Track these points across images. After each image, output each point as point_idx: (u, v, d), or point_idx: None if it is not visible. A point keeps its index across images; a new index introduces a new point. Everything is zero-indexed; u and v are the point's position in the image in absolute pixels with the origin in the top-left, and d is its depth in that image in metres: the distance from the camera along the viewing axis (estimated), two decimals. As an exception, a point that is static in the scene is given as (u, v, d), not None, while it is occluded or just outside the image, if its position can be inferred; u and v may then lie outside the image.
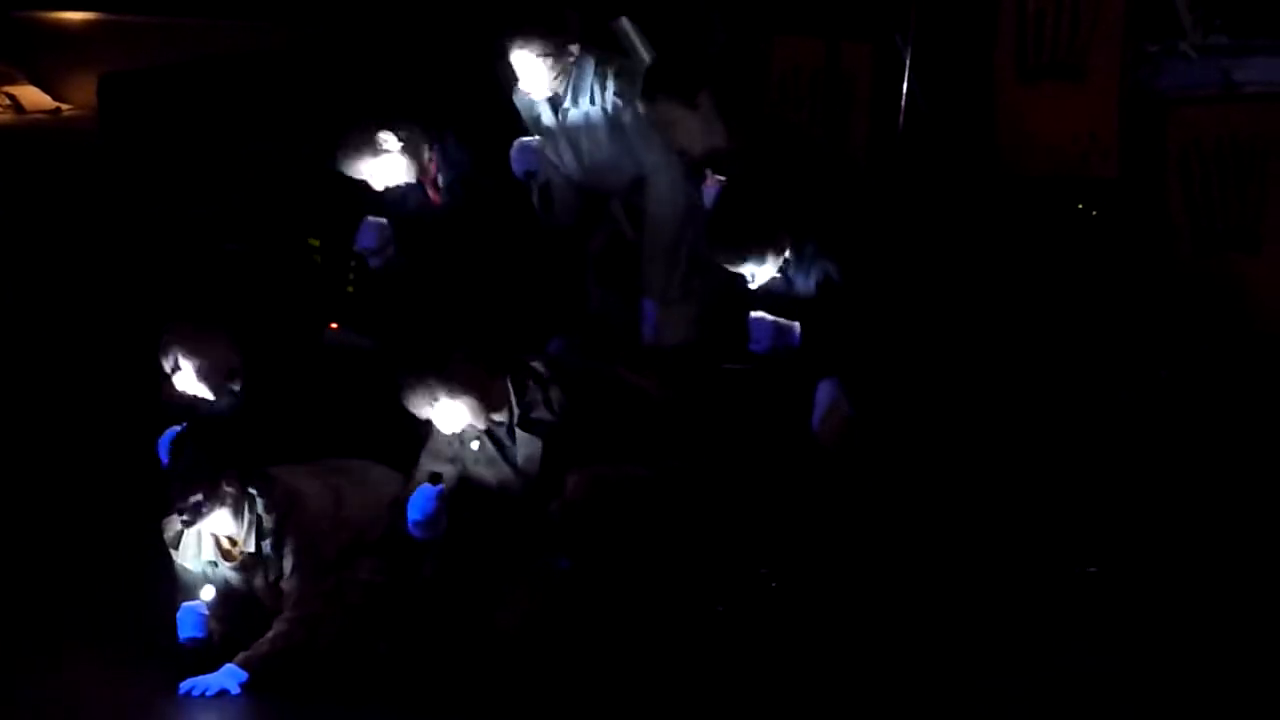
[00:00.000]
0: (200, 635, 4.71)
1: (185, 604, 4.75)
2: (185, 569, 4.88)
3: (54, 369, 6.93)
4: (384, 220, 5.95)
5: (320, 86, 7.74)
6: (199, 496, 4.68)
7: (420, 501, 4.90)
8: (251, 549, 4.78)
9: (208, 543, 4.85)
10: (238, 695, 4.56)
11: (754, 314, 5.05)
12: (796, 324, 5.07)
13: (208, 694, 4.57)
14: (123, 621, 5.08)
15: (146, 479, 5.16)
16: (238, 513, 4.75)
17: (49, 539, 5.70)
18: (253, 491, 4.77)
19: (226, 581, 4.82)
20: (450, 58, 7.44)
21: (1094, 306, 6.08)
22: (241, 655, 4.64)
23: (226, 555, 4.82)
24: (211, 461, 4.73)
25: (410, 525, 4.89)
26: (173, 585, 4.89)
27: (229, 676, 4.60)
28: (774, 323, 5.03)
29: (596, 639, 4.73)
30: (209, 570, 4.84)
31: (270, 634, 4.68)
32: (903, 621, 4.91)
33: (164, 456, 4.98)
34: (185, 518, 4.74)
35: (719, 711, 4.52)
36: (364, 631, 4.77)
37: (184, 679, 4.63)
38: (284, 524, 4.76)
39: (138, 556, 5.18)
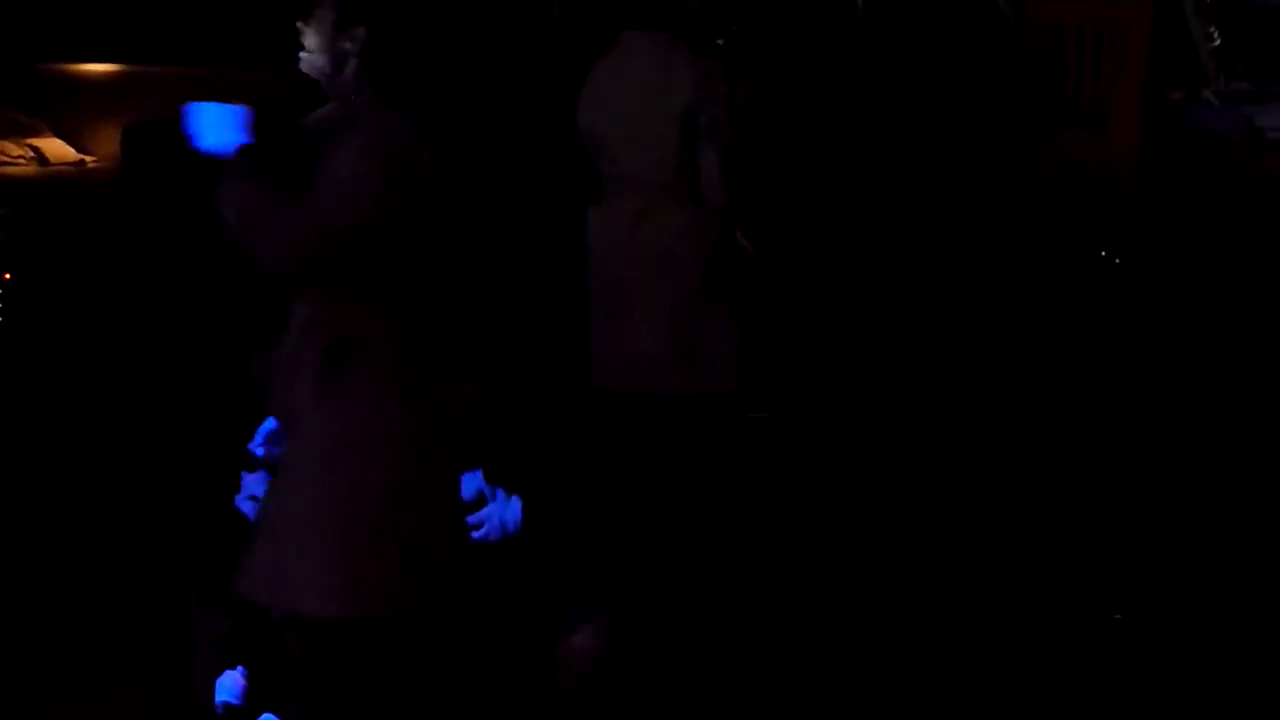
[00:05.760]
0: (236, 703, 4.69)
1: (227, 670, 4.72)
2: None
3: (75, 420, 6.92)
4: None
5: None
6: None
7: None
8: None
9: None
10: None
11: None
12: None
13: (241, 742, 4.57)
14: (154, 661, 5.06)
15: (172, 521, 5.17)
16: None
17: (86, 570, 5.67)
18: None
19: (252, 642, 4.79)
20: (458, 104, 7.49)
21: (1120, 343, 6.13)
22: (283, 708, 4.62)
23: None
24: None
25: None
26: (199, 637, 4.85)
27: (264, 728, 4.60)
28: None
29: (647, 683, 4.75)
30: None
31: (309, 689, 4.65)
32: (923, 666, 4.90)
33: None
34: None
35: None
36: (406, 688, 4.75)
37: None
38: None
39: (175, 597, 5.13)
